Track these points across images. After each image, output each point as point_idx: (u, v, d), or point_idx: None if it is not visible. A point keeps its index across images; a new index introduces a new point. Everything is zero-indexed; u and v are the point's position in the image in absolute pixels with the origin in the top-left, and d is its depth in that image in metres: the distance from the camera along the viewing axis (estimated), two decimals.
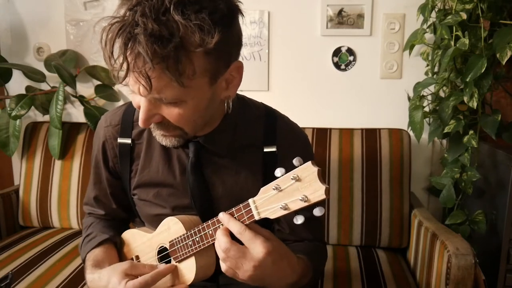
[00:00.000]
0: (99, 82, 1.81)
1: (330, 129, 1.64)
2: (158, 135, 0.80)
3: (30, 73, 1.73)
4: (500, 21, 1.32)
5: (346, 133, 1.62)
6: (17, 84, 1.83)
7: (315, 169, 0.61)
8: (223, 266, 0.71)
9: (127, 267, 0.81)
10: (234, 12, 0.72)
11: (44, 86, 1.80)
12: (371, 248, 1.57)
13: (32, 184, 1.73)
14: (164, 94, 0.68)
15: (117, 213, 1.02)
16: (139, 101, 0.73)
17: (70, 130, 1.76)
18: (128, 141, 0.92)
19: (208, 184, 0.88)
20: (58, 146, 1.67)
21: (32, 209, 1.73)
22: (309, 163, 0.62)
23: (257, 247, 0.66)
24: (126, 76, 0.66)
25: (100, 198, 1.00)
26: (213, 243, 0.75)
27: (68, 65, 1.73)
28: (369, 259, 1.47)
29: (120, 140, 0.92)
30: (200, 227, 0.78)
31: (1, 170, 1.97)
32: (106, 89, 1.81)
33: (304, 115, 1.74)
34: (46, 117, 1.78)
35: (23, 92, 1.73)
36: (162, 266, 0.81)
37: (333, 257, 1.47)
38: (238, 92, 0.86)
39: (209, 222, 0.77)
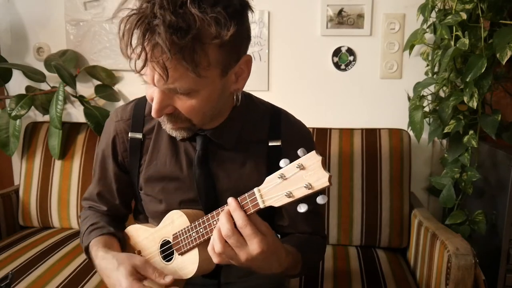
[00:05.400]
0: (99, 82, 1.81)
1: (330, 129, 1.64)
2: (168, 128, 0.82)
3: (30, 73, 1.73)
4: (500, 21, 1.32)
5: (346, 133, 1.62)
6: (17, 84, 1.83)
7: (319, 158, 0.63)
8: (219, 248, 0.71)
9: (139, 264, 0.81)
10: (245, 7, 0.75)
11: (44, 86, 1.80)
12: (371, 248, 1.57)
13: (32, 184, 1.73)
14: (179, 84, 0.70)
15: (119, 210, 1.02)
16: (153, 93, 0.75)
17: (70, 130, 1.76)
18: (139, 136, 0.93)
19: (213, 177, 0.90)
20: (58, 146, 1.67)
21: (32, 209, 1.73)
22: (313, 152, 0.64)
23: (254, 245, 0.69)
24: (144, 66, 0.68)
25: (103, 194, 1.00)
26: None
27: (68, 65, 1.73)
28: (369, 259, 1.47)
29: (131, 135, 0.94)
30: (205, 218, 0.79)
31: (1, 170, 1.97)
32: (106, 89, 1.81)
33: (304, 115, 1.72)
34: (46, 117, 1.78)
35: (23, 92, 1.73)
36: (169, 280, 0.79)
37: (333, 257, 1.47)
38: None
39: (214, 213, 0.77)
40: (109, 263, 0.83)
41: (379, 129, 1.62)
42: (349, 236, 1.56)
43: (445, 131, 1.43)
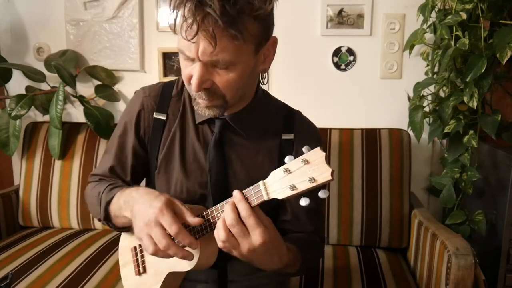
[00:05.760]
0: (99, 82, 1.81)
1: (330, 129, 1.64)
2: (202, 107, 0.85)
3: (30, 73, 1.73)
4: (500, 21, 1.32)
5: (346, 133, 1.62)
6: (17, 84, 1.83)
7: (323, 154, 0.66)
8: (223, 237, 0.73)
9: (176, 201, 0.81)
10: None
11: (44, 86, 1.80)
12: (371, 248, 1.57)
13: (32, 184, 1.73)
14: (221, 55, 0.75)
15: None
16: (191, 71, 0.79)
17: (70, 130, 1.76)
18: (163, 117, 0.96)
19: (227, 161, 0.93)
20: (58, 146, 1.67)
21: (32, 209, 1.73)
22: (318, 148, 0.67)
23: (256, 235, 0.72)
24: (196, 34, 0.73)
25: (116, 170, 0.99)
26: None
27: (68, 65, 1.73)
28: (369, 259, 1.47)
29: (155, 115, 0.96)
30: (209, 211, 0.80)
31: (1, 170, 1.97)
32: (106, 89, 1.81)
33: (307, 117, 1.74)
34: (46, 117, 1.78)
35: (23, 92, 1.73)
36: (196, 220, 0.78)
37: (333, 257, 1.48)
38: None
39: (218, 205, 0.79)
40: (149, 192, 0.82)
41: (379, 129, 1.62)
42: (349, 236, 1.56)
43: (445, 131, 1.43)
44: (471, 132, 1.39)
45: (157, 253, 0.77)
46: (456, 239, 1.15)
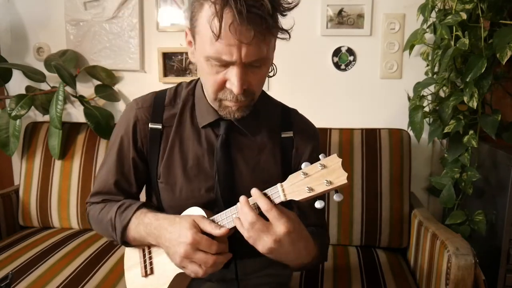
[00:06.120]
0: (99, 82, 1.81)
1: (330, 129, 1.64)
2: (232, 110, 0.85)
3: (30, 73, 1.73)
4: (500, 21, 1.32)
5: (346, 133, 1.62)
6: (17, 84, 1.83)
7: (339, 160, 0.71)
8: (246, 234, 0.76)
9: (197, 218, 0.83)
10: None
11: (44, 86, 1.80)
12: (371, 248, 1.57)
13: (32, 184, 1.73)
14: (263, 54, 0.79)
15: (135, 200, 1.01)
16: (226, 75, 0.80)
17: (70, 130, 1.76)
18: (159, 126, 0.96)
19: (233, 162, 0.93)
20: (58, 146, 1.67)
21: (32, 209, 1.73)
22: (335, 155, 0.72)
23: (280, 225, 0.73)
24: (254, 37, 0.74)
25: (121, 183, 0.99)
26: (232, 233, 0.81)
27: (68, 65, 1.73)
28: (369, 259, 1.47)
29: (151, 125, 0.96)
30: (224, 211, 0.82)
31: (1, 170, 1.97)
32: (106, 89, 1.81)
33: (304, 115, 1.74)
34: (46, 117, 1.78)
35: (23, 92, 1.73)
36: (223, 230, 0.80)
37: (333, 257, 1.47)
38: None
39: (234, 207, 0.80)
40: (171, 222, 0.85)
41: (379, 129, 1.62)
42: (349, 236, 1.56)
43: (445, 131, 1.43)
44: (471, 132, 1.39)
45: (207, 272, 0.80)
46: (456, 239, 1.15)
